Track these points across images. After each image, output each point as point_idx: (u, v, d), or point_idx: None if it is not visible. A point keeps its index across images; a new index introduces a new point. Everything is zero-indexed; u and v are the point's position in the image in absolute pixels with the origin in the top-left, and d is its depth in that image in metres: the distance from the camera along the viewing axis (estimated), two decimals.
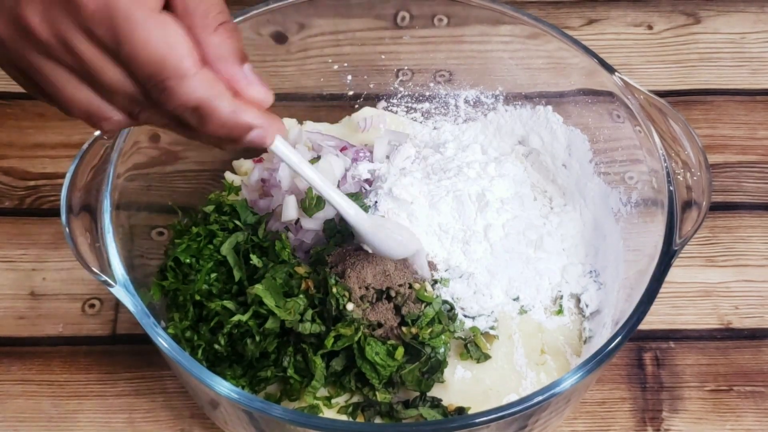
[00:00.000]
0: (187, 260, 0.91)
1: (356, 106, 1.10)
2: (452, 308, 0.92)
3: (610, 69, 0.93)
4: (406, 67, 1.09)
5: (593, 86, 0.96)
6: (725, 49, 1.27)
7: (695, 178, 0.85)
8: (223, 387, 0.76)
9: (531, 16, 0.98)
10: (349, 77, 1.08)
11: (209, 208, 0.94)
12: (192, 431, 0.97)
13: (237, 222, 0.93)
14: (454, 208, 0.95)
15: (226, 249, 0.91)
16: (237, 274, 0.90)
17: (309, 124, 1.07)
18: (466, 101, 1.09)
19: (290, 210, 0.95)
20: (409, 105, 1.11)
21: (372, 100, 1.11)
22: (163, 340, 0.78)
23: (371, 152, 1.01)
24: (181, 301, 0.91)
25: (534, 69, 1.03)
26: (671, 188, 0.84)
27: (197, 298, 0.90)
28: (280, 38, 1.03)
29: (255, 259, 0.90)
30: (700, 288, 1.06)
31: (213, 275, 0.90)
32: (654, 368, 1.01)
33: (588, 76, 0.96)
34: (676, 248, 0.81)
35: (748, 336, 1.03)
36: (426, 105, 1.11)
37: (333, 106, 1.09)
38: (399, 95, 1.11)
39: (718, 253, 1.08)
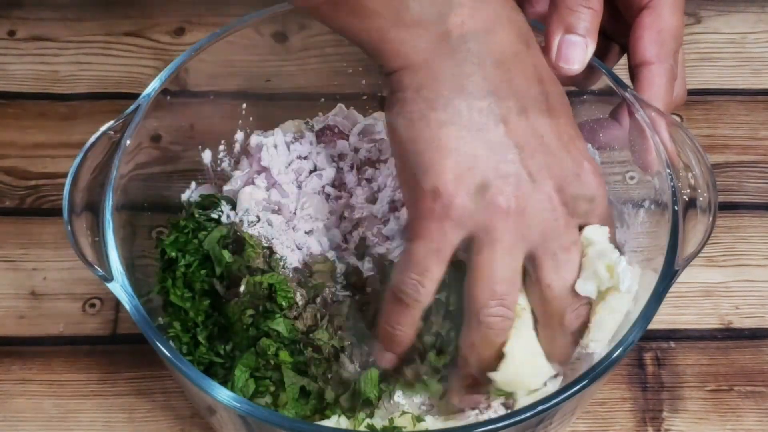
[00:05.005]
0: (173, 254, 0.87)
1: (369, 109, 1.08)
2: None
3: (623, 85, 0.90)
4: None
5: (604, 102, 0.94)
6: (726, 49, 1.27)
7: (701, 199, 0.83)
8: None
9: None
10: (364, 81, 1.07)
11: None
12: (192, 431, 0.97)
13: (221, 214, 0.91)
14: None
15: (208, 243, 0.87)
16: (218, 269, 0.86)
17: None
18: None
19: None
20: None
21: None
22: (161, 344, 0.77)
23: None
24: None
25: None
26: (675, 207, 0.83)
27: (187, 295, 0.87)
28: (280, 38, 1.03)
29: (226, 255, 0.85)
30: (701, 288, 1.06)
31: (203, 271, 0.86)
32: (654, 368, 1.01)
33: (598, 90, 0.93)
34: (677, 268, 0.80)
35: (748, 336, 1.03)
36: None
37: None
38: None
39: (719, 253, 1.08)
